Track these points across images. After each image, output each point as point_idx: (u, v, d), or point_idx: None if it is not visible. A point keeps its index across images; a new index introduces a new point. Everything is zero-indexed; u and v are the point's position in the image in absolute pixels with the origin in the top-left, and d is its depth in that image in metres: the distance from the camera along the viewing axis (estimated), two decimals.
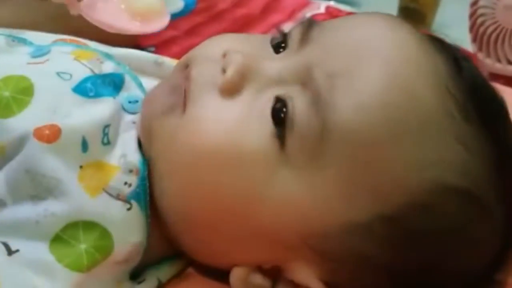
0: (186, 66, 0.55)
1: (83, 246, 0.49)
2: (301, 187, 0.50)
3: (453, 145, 0.49)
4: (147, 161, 0.55)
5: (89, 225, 0.50)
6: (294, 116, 0.49)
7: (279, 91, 0.51)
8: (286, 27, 0.60)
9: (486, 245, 0.52)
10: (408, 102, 0.48)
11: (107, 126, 0.54)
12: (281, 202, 0.50)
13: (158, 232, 0.55)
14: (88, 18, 0.49)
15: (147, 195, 0.54)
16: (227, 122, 0.51)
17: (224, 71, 0.53)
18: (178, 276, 0.57)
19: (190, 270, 0.58)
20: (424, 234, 0.49)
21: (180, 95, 0.54)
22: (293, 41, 0.54)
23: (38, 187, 0.50)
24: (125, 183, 0.53)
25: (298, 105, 0.50)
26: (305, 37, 0.54)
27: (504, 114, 0.54)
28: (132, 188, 0.53)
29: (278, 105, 0.51)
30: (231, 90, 0.52)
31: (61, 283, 0.49)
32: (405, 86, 0.49)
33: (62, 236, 0.49)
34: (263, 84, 0.52)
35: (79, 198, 0.50)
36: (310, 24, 0.54)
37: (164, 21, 0.52)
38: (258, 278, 0.53)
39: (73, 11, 0.49)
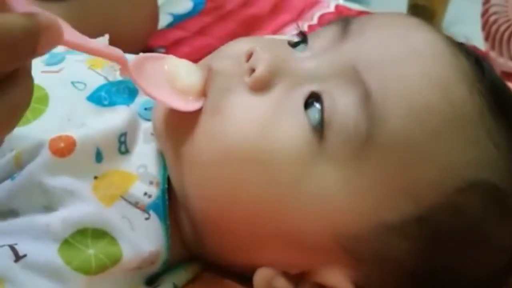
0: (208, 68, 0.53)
1: (91, 251, 0.49)
2: (336, 182, 0.48)
3: (484, 143, 0.49)
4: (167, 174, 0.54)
5: (97, 233, 0.49)
6: (336, 113, 0.48)
7: (316, 87, 0.50)
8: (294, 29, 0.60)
9: (508, 244, 0.52)
10: (448, 106, 0.49)
11: (123, 134, 0.54)
12: (314, 198, 0.48)
13: (175, 237, 0.54)
14: (134, 82, 0.50)
15: (167, 208, 0.53)
16: (256, 117, 0.49)
17: (252, 70, 0.51)
18: (194, 280, 0.57)
19: (206, 274, 0.57)
20: (453, 235, 0.49)
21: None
22: (327, 39, 0.53)
23: (50, 198, 0.50)
24: (145, 194, 0.53)
25: (343, 101, 0.48)
26: (342, 35, 0.52)
27: None
28: (152, 199, 0.53)
29: (313, 100, 0.49)
30: (261, 86, 0.50)
31: (70, 286, 0.48)
32: (445, 88, 0.49)
33: (70, 242, 0.49)
34: (296, 80, 0.50)
35: (91, 207, 0.50)
36: (347, 23, 0.53)
37: (199, 104, 0.51)
38: (282, 282, 0.52)
39: (123, 73, 0.49)
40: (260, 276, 0.52)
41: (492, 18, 1.01)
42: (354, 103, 0.48)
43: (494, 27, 1.00)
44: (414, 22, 0.54)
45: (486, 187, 0.49)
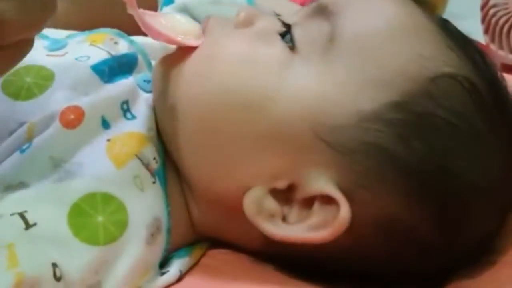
0: None
1: (100, 219, 0.50)
2: (312, 77, 0.52)
3: (447, 51, 0.53)
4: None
5: (107, 197, 0.51)
6: (304, 30, 0.55)
7: (289, 22, 0.56)
8: None
9: (491, 150, 0.53)
10: (408, 17, 0.54)
11: (124, 102, 0.56)
12: (292, 93, 0.52)
13: (178, 214, 0.55)
14: (139, 21, 0.52)
15: (166, 176, 0.55)
16: (240, 41, 0.55)
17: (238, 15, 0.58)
18: (195, 265, 0.57)
19: (204, 259, 0.58)
20: (431, 119, 0.51)
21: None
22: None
23: (60, 170, 0.51)
24: (154, 158, 0.54)
25: (310, 25, 0.55)
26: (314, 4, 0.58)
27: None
28: (158, 165, 0.55)
29: (286, 33, 0.56)
30: (244, 23, 0.57)
31: (78, 258, 0.48)
32: (406, 8, 0.55)
33: (80, 205, 0.50)
34: (273, 19, 0.57)
35: (102, 170, 0.52)
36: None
37: (200, 41, 0.57)
38: (271, 203, 0.52)
39: (130, 10, 0.51)
40: (249, 200, 0.52)
41: (491, 11, 1.01)
42: (319, 23, 0.54)
43: (493, 20, 1.01)
44: None
45: (459, 79, 0.52)
